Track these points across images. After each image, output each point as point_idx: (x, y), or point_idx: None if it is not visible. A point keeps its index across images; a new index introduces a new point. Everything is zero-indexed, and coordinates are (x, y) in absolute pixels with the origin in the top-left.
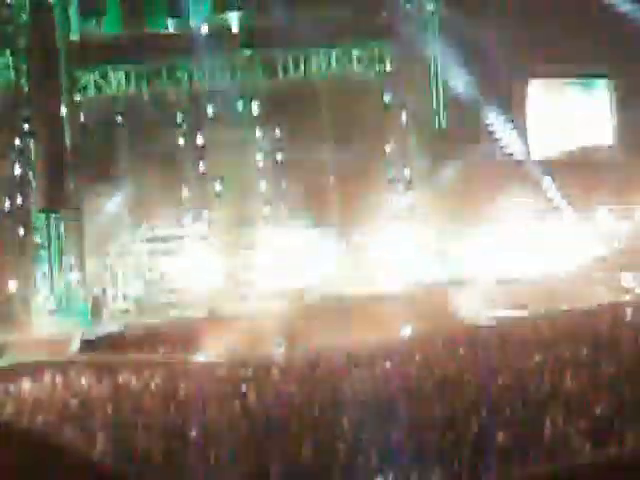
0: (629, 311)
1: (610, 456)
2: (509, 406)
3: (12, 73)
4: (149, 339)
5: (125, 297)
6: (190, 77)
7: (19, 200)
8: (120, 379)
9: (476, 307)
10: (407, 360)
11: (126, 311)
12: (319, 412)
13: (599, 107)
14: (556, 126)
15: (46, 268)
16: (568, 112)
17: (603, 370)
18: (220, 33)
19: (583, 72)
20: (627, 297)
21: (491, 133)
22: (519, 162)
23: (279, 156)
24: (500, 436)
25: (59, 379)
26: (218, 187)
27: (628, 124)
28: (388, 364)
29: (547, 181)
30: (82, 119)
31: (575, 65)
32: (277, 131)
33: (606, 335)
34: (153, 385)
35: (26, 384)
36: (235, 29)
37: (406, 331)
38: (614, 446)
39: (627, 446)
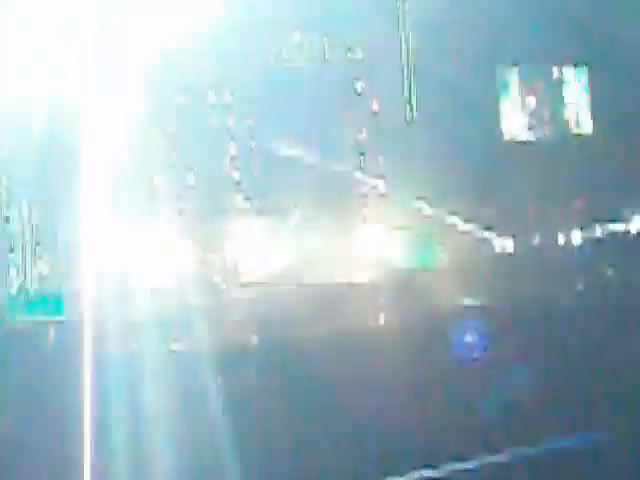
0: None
1: None
2: None
3: None
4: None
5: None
6: (161, 67)
7: None
8: None
9: (447, 293)
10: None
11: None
12: (291, 400)
13: (575, 94)
14: (530, 113)
15: (19, 259)
16: (542, 98)
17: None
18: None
19: (558, 59)
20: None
21: (464, 120)
22: (491, 148)
23: (252, 145)
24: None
25: None
26: (190, 178)
27: (603, 111)
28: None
29: (521, 166)
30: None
31: (550, 52)
32: (250, 120)
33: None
34: None
35: None
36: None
37: (379, 318)
38: None
39: None
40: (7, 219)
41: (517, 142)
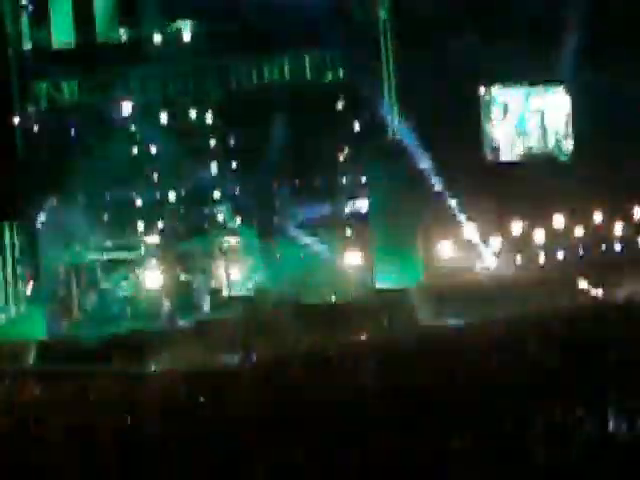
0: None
1: (565, 457)
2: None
3: None
4: (104, 350)
5: (79, 308)
6: (143, 86)
7: None
8: (73, 390)
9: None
10: (367, 364)
11: (80, 322)
12: (278, 419)
13: (557, 113)
14: (513, 132)
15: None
16: (525, 117)
17: (560, 373)
18: (172, 41)
19: (541, 78)
20: (581, 300)
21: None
22: (474, 168)
23: (233, 165)
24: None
25: (12, 389)
26: (172, 196)
27: (584, 129)
28: (347, 368)
29: (504, 185)
30: (34, 130)
31: (533, 72)
32: (231, 140)
33: (560, 338)
34: (107, 396)
35: None
36: (187, 37)
37: (366, 336)
38: (569, 447)
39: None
40: None
41: (500, 162)
